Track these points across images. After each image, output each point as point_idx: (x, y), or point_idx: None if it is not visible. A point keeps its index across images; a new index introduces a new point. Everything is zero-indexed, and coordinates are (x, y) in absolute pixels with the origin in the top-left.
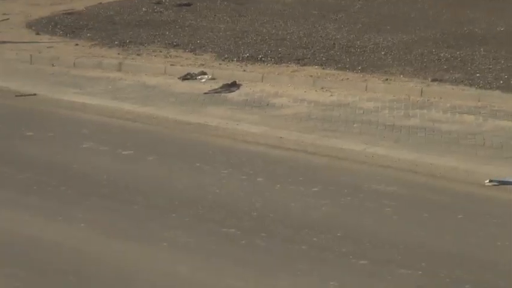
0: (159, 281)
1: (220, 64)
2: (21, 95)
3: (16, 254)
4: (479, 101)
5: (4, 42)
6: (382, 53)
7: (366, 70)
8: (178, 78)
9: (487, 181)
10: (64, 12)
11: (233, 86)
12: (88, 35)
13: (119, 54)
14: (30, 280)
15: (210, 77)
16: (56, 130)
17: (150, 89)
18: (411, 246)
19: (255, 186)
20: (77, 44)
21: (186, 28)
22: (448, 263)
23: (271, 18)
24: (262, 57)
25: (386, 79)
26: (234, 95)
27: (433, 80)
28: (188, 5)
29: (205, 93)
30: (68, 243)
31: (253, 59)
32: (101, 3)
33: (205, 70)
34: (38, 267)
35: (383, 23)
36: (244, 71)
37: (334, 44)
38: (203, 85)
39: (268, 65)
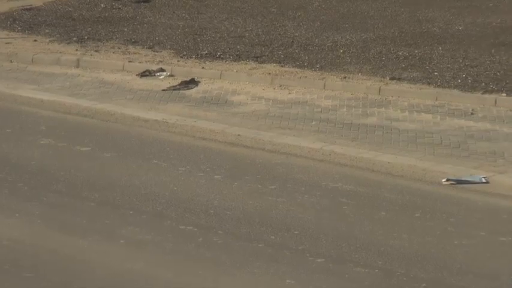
0: (116, 277)
1: (178, 61)
2: None
3: None
4: (437, 100)
5: None
6: (341, 51)
7: (324, 68)
8: (136, 74)
9: (444, 180)
10: (22, 7)
11: (191, 83)
12: (46, 31)
13: (77, 50)
14: None
15: (168, 73)
16: (13, 126)
17: (108, 86)
18: (368, 245)
19: (213, 184)
20: (35, 40)
21: (145, 25)
22: (405, 262)
23: (229, 15)
24: (220, 54)
25: (345, 77)
26: (192, 92)
27: (391, 79)
28: (147, 1)
29: (163, 90)
30: (25, 240)
31: (211, 56)
32: None
33: (163, 67)
34: None
35: (342, 21)
36: (203, 68)
37: (292, 41)
38: (161, 82)
39: (227, 62)
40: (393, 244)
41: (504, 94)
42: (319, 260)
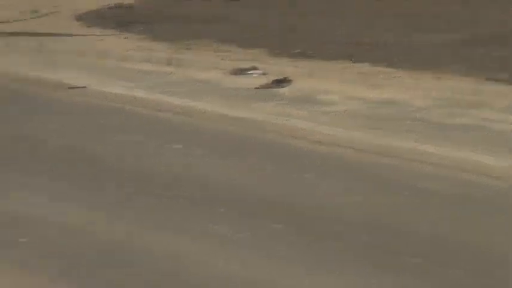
0: (210, 276)
1: (271, 59)
2: (72, 87)
3: (64, 247)
4: None
5: (55, 34)
6: (435, 51)
7: (417, 68)
8: (228, 73)
9: None
10: (115, 5)
11: (284, 81)
12: (138, 28)
13: (168, 48)
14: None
15: (260, 72)
16: (105, 123)
17: (200, 84)
18: (462, 245)
19: (303, 183)
20: (126, 38)
21: (237, 23)
22: (491, 263)
23: (322, 14)
24: (313, 53)
25: (438, 77)
26: (284, 91)
27: (487, 79)
28: None
29: (255, 88)
30: (120, 238)
31: (304, 55)
32: None
33: (256, 65)
34: (82, 263)
35: (435, 21)
36: (295, 66)
37: (385, 41)
38: (254, 80)
39: (319, 61)
40: (487, 245)
41: None
42: (414, 260)
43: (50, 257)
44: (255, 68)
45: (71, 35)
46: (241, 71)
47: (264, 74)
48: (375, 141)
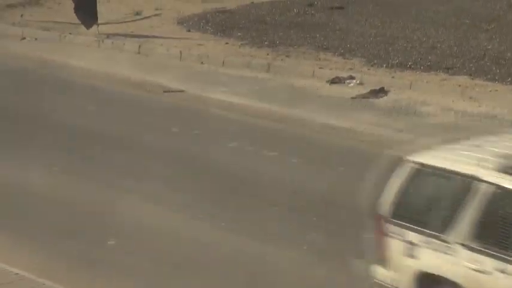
0: (298, 283)
1: (368, 69)
2: (170, 91)
3: (155, 248)
4: None
5: (155, 37)
6: None
7: None
8: (326, 81)
9: None
10: (216, 10)
11: (381, 92)
12: (238, 34)
13: (268, 54)
14: (166, 274)
15: (358, 81)
16: (201, 127)
17: (298, 91)
18: None
19: None
20: (227, 43)
21: (337, 31)
22: None
23: (422, 25)
24: (411, 64)
25: None
26: (381, 101)
27: None
28: (340, 8)
29: (352, 97)
30: (207, 241)
31: (402, 65)
32: (252, 2)
33: (353, 75)
34: (174, 262)
35: None
36: (393, 77)
37: (484, 54)
38: (351, 90)
39: (417, 72)
40: None
41: None
42: None
43: None
44: (352, 77)
45: (171, 38)
46: (338, 80)
47: (361, 83)
48: None
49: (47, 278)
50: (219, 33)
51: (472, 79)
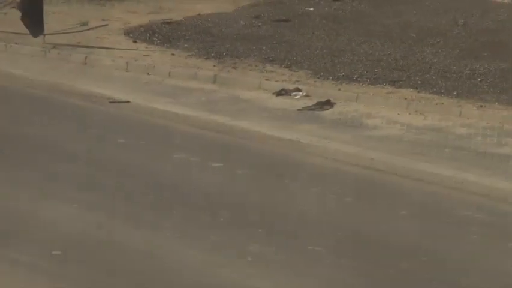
0: None
1: (315, 82)
2: (115, 102)
3: (101, 259)
4: None
5: (101, 48)
6: (478, 79)
7: (461, 96)
8: (272, 93)
9: None
10: (162, 21)
11: (327, 104)
12: (185, 45)
13: (214, 66)
14: (111, 286)
15: (304, 94)
16: (147, 138)
17: (244, 103)
18: (497, 275)
19: (343, 206)
20: (173, 54)
21: (283, 44)
22: None
23: (368, 38)
24: (357, 77)
25: (481, 106)
26: (327, 114)
27: None
28: (286, 20)
29: (298, 110)
30: (152, 252)
31: (348, 78)
32: (199, 14)
33: (299, 87)
34: (121, 274)
35: (481, 49)
36: (339, 89)
37: (430, 67)
38: (297, 102)
39: (363, 85)
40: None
41: None
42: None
43: None
44: (298, 90)
45: (117, 49)
46: (285, 92)
47: (307, 95)
48: (416, 168)
49: None
50: (165, 44)
51: (418, 92)
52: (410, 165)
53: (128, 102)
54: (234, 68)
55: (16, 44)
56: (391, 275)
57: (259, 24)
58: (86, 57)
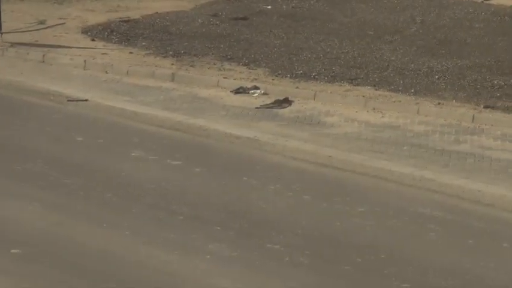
0: None
1: (273, 80)
2: (73, 100)
3: (60, 258)
4: None
5: (59, 46)
6: (436, 77)
7: (418, 93)
8: (230, 91)
9: None
10: (120, 19)
11: (285, 102)
12: (143, 43)
13: (172, 64)
14: (72, 285)
15: (262, 92)
16: (105, 137)
17: (202, 101)
18: (454, 273)
19: (302, 204)
20: (131, 52)
21: (241, 42)
22: None
23: (326, 36)
24: (315, 75)
25: (439, 103)
26: (285, 111)
27: (486, 107)
28: (244, 19)
29: (256, 107)
30: (112, 250)
31: (306, 76)
32: (157, 12)
33: (258, 85)
34: (80, 272)
35: (438, 47)
36: (297, 87)
37: (388, 65)
38: (255, 100)
39: (321, 83)
40: (479, 273)
41: None
42: (404, 286)
43: None
44: (256, 88)
45: (75, 48)
46: (243, 90)
47: (265, 93)
48: (374, 165)
49: None
50: (123, 43)
51: (376, 90)
52: (368, 163)
53: (86, 100)
54: (192, 66)
55: None
56: (348, 272)
57: (217, 22)
58: (43, 56)
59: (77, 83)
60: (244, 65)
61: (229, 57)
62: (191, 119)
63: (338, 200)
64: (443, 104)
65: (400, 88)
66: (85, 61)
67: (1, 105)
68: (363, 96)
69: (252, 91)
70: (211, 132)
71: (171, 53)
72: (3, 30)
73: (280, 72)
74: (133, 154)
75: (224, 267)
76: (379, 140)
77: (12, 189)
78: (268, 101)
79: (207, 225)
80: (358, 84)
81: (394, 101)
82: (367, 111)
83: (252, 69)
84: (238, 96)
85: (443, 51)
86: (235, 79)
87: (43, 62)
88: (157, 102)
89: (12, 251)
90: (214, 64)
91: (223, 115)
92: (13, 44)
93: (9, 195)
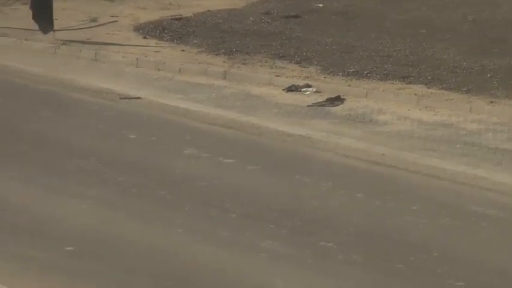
0: None
1: (325, 77)
2: (126, 98)
3: (112, 255)
4: None
5: (111, 44)
6: (488, 75)
7: (471, 91)
8: (282, 89)
9: None
10: (172, 17)
11: (337, 100)
12: (195, 41)
13: (224, 62)
14: (124, 282)
15: (314, 89)
16: (158, 134)
17: (254, 99)
18: (508, 271)
19: (354, 202)
20: (183, 50)
21: (293, 40)
22: None
23: (378, 34)
24: (367, 73)
25: (491, 101)
26: (337, 109)
27: None
28: (296, 17)
29: (308, 105)
30: (164, 248)
31: (358, 74)
32: (209, 10)
33: (310, 83)
34: (133, 269)
35: (491, 45)
36: (349, 85)
37: (440, 63)
38: (307, 97)
39: (373, 81)
40: None
41: None
42: (458, 284)
43: None
44: (308, 86)
45: (127, 46)
46: (295, 88)
47: (317, 91)
48: (427, 163)
49: (1, 283)
50: (175, 41)
51: (428, 88)
52: (420, 161)
53: (139, 98)
54: (244, 64)
55: (26, 40)
56: (401, 270)
57: (269, 20)
58: (96, 54)
59: (129, 81)
60: (296, 63)
61: (281, 55)
62: (243, 117)
63: (391, 198)
64: (495, 102)
65: (452, 86)
66: (137, 59)
67: (54, 103)
68: (415, 94)
69: (304, 89)
70: (263, 130)
71: (223, 50)
72: (55, 28)
73: (332, 70)
74: (186, 152)
75: (277, 265)
76: (431, 138)
77: (65, 187)
78: (320, 99)
79: (259, 223)
80: (410, 83)
81: (447, 99)
82: (420, 109)
83: (304, 67)
84: (290, 94)
85: (495, 50)
86: (287, 77)
87: (95, 59)
88: (209, 100)
89: (66, 248)
90: (266, 62)
91: (276, 113)
92: (65, 42)
93: (63, 193)
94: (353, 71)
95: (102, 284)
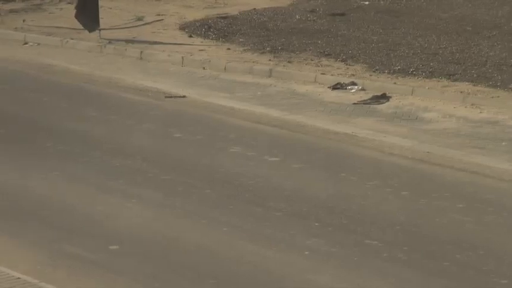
0: None
1: (370, 75)
2: (171, 97)
3: (157, 254)
4: None
5: (157, 43)
6: None
7: None
8: (328, 87)
9: None
10: (218, 15)
11: (383, 97)
12: (240, 40)
13: (270, 60)
14: (169, 281)
15: (360, 87)
16: (203, 133)
17: (300, 97)
18: None
19: (400, 200)
20: (228, 49)
21: (339, 38)
22: None
23: (424, 32)
24: (413, 70)
25: None
26: (383, 107)
27: None
28: (342, 14)
29: (354, 103)
30: (209, 246)
31: (404, 72)
32: (254, 8)
33: (355, 81)
34: (177, 268)
35: None
36: (395, 83)
37: (486, 61)
38: (353, 95)
39: (419, 78)
40: None
41: None
42: (503, 282)
43: None
44: (354, 83)
45: (172, 44)
46: (340, 86)
47: (362, 89)
48: (473, 161)
49: (48, 282)
50: (221, 39)
51: (474, 85)
52: (467, 159)
53: (184, 97)
54: (289, 62)
55: (72, 39)
56: (447, 268)
57: (315, 18)
58: (141, 52)
59: (175, 80)
60: (342, 60)
61: (326, 53)
62: (289, 115)
63: (436, 196)
64: None
65: (498, 84)
66: (183, 57)
67: (100, 101)
68: (461, 92)
69: (350, 87)
70: (309, 128)
71: (268, 49)
72: (101, 26)
73: (377, 68)
74: (231, 150)
75: (322, 263)
76: (477, 135)
77: (111, 186)
78: (366, 97)
79: (305, 221)
80: (456, 80)
81: (493, 97)
82: (466, 107)
83: (350, 65)
84: (335, 92)
85: None
86: (332, 75)
87: (141, 58)
88: (254, 98)
89: (111, 247)
90: (312, 60)
91: (321, 111)
92: (111, 41)
93: (108, 192)
94: (398, 69)
95: (147, 283)
